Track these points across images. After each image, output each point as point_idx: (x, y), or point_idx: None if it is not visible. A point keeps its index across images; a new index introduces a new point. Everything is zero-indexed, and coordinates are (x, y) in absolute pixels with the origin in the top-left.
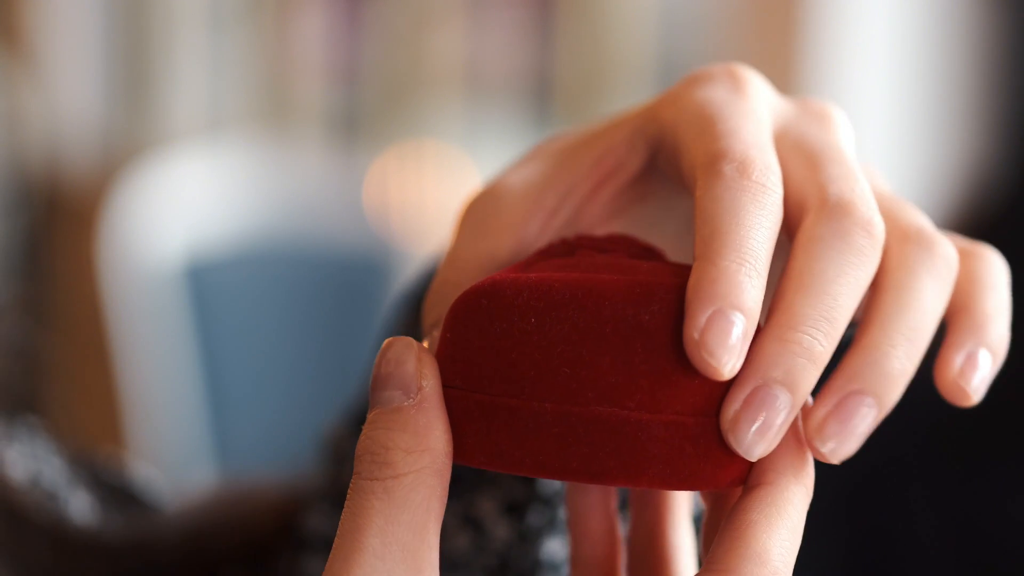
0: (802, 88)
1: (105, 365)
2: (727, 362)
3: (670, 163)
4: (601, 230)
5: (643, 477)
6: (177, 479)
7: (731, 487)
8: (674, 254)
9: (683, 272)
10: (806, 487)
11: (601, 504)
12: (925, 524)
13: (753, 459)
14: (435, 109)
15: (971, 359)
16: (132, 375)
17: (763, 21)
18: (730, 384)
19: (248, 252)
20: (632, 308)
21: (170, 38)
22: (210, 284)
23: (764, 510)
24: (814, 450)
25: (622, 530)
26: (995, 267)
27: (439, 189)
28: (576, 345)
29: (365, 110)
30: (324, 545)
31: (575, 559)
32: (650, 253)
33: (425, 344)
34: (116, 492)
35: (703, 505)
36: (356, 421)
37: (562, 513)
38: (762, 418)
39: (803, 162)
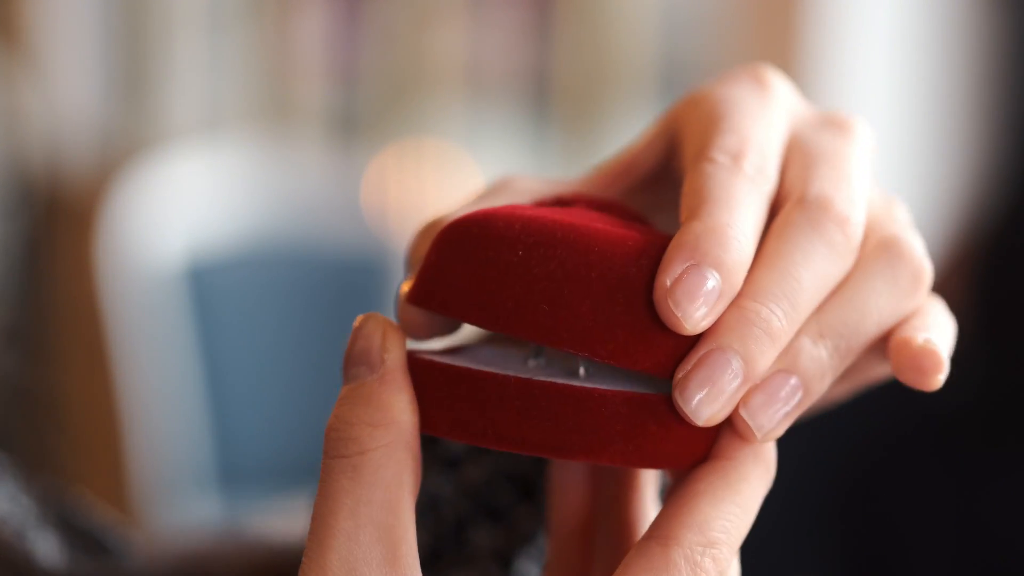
0: (802, 89)
1: (105, 365)
2: (692, 315)
3: (680, 162)
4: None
5: (604, 454)
6: (177, 479)
7: (689, 466)
8: None
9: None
10: (765, 466)
11: (581, 477)
12: (924, 523)
13: (700, 422)
14: (435, 108)
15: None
16: (132, 375)
17: (764, 22)
18: None
19: (248, 252)
20: (621, 259)
21: (169, 38)
22: (210, 284)
23: (713, 482)
24: (683, 411)
25: None
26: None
27: (439, 189)
28: (559, 284)
29: (365, 110)
30: None
31: (553, 530)
32: (643, 220)
33: (406, 286)
34: (83, 535)
35: (669, 478)
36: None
37: None
38: (712, 382)
39: (801, 163)
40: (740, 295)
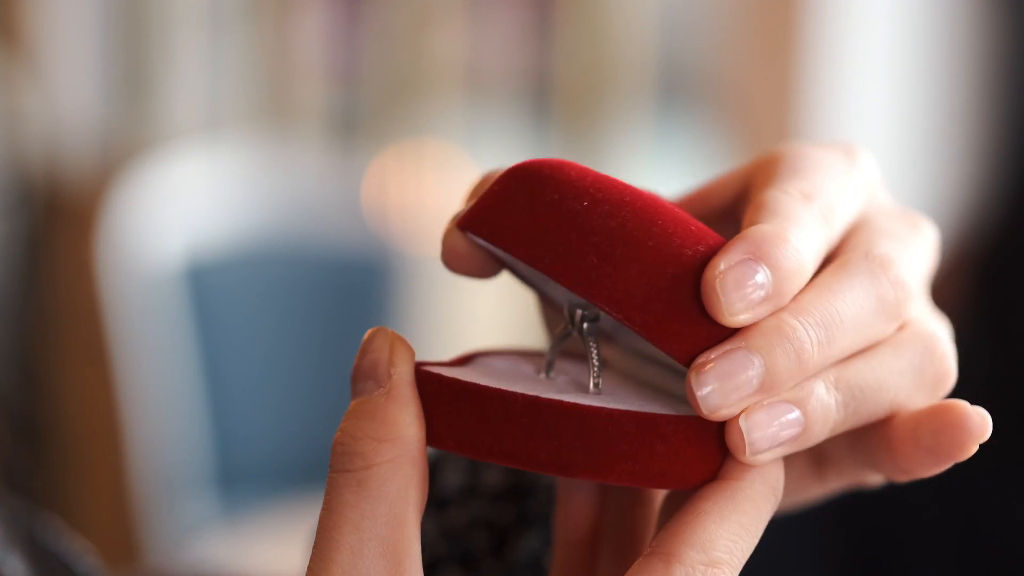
0: (802, 90)
1: (105, 366)
2: (733, 305)
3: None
4: None
5: (611, 473)
6: (177, 479)
7: (697, 485)
8: None
9: None
10: (772, 489)
11: (590, 486)
12: (927, 524)
13: (704, 411)
14: (435, 109)
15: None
16: (132, 376)
17: (764, 22)
18: None
19: (248, 253)
20: (680, 238)
21: (169, 38)
22: (210, 285)
23: (719, 501)
24: (693, 396)
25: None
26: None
27: (438, 189)
28: (614, 243)
29: (365, 110)
30: None
31: (559, 538)
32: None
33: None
34: (52, 560)
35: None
36: None
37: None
38: (730, 377)
39: (869, 231)
40: (782, 309)
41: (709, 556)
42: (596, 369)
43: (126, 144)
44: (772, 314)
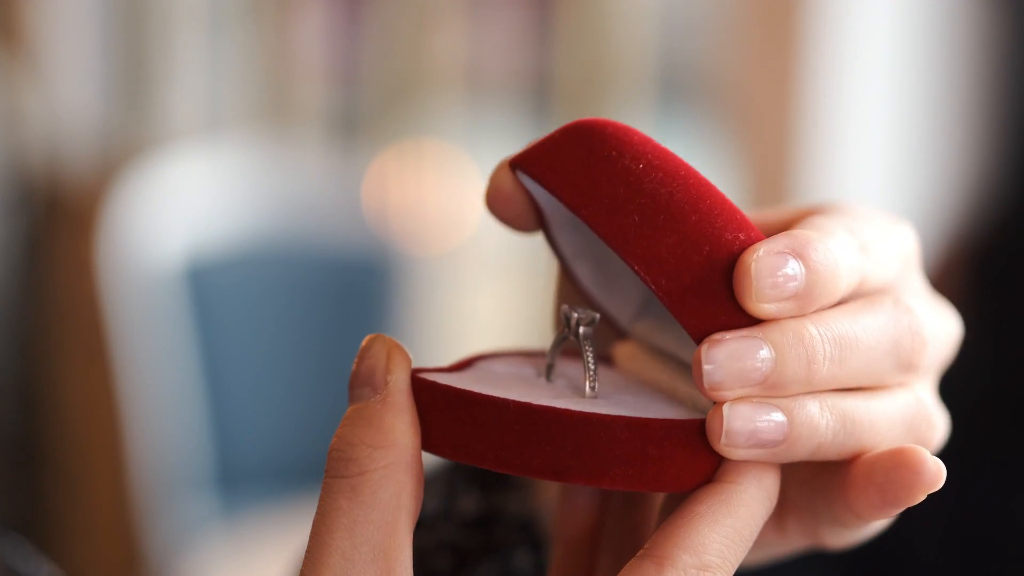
0: (802, 90)
1: (105, 366)
2: (762, 291)
3: None
4: None
5: (605, 478)
6: (177, 479)
7: (693, 489)
8: None
9: None
10: (766, 493)
11: (588, 487)
12: (927, 527)
13: (703, 385)
14: (435, 109)
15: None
16: (132, 376)
17: (764, 22)
18: None
19: (248, 253)
20: (724, 221)
21: (170, 38)
22: (210, 285)
23: (713, 505)
24: (699, 368)
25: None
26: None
27: (439, 189)
28: (660, 208)
29: (365, 110)
30: None
31: (558, 537)
32: None
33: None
34: None
35: None
36: None
37: None
38: (740, 360)
39: (902, 287)
40: (805, 316)
41: (701, 560)
42: (592, 372)
43: (126, 144)
44: (794, 317)
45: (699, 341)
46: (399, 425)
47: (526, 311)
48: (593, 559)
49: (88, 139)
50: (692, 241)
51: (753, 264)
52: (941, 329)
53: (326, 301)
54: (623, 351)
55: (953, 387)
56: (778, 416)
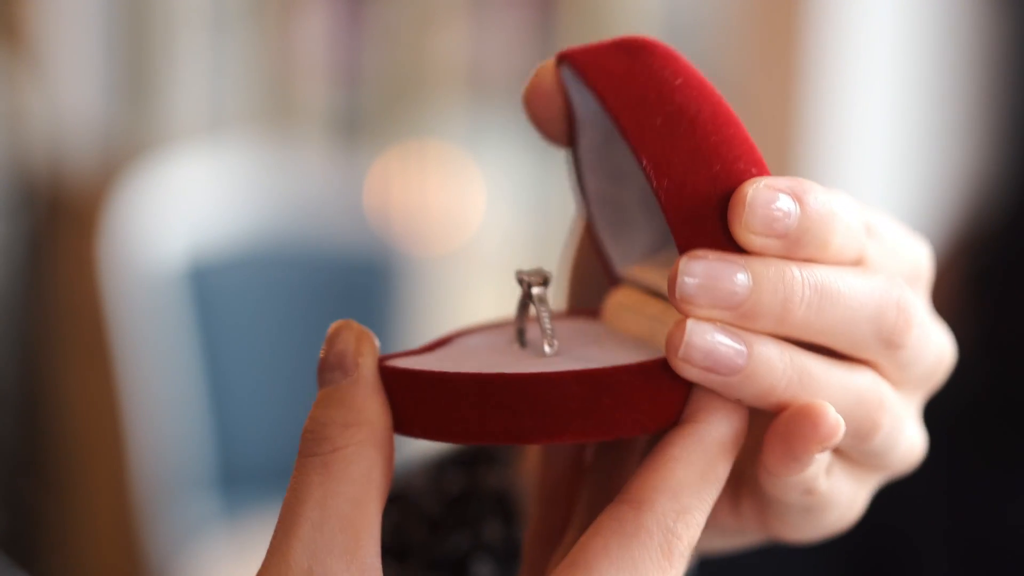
0: (804, 91)
1: (107, 366)
2: (754, 218)
3: None
4: None
5: (566, 433)
6: (179, 479)
7: (661, 430)
8: None
9: None
10: (736, 432)
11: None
12: (923, 531)
13: (675, 297)
14: (437, 110)
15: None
16: (134, 376)
17: (765, 23)
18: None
19: (250, 253)
20: (739, 152)
21: (172, 39)
22: (212, 285)
23: (687, 446)
24: (674, 278)
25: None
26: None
27: (441, 190)
28: (683, 120)
29: (367, 111)
30: None
31: (537, 494)
32: None
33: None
34: None
35: None
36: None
37: None
38: (716, 280)
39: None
40: (792, 260)
41: (680, 503)
42: (549, 331)
43: (129, 144)
44: (781, 257)
45: (683, 248)
46: (371, 404)
47: None
48: (570, 513)
49: (90, 139)
50: (704, 156)
51: (750, 192)
52: (934, 342)
53: (328, 302)
54: (612, 300)
55: (948, 390)
56: (739, 345)
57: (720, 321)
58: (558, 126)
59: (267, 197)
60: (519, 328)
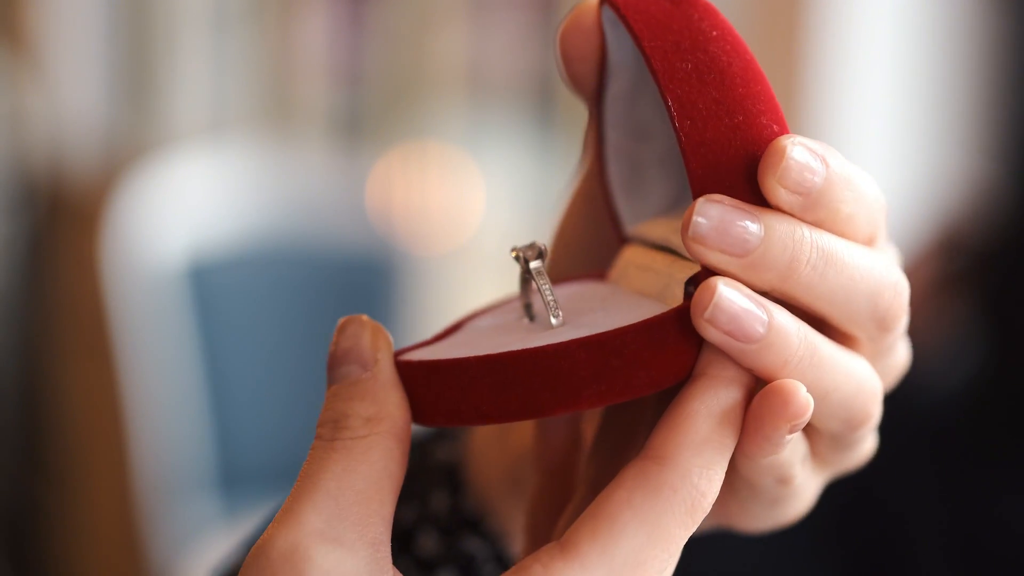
0: (805, 91)
1: (108, 365)
2: (787, 175)
3: None
4: None
5: (581, 400)
6: (179, 479)
7: (673, 383)
8: None
9: None
10: (749, 384)
11: (567, 416)
12: (919, 534)
13: (689, 236)
14: (438, 111)
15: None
16: (135, 375)
17: (766, 23)
18: None
19: (251, 253)
20: (763, 107)
21: (173, 39)
22: (213, 285)
23: (706, 400)
24: (689, 217)
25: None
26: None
27: (442, 190)
28: (713, 69)
29: (368, 111)
30: None
31: (537, 467)
32: None
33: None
34: None
35: None
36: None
37: None
38: (728, 225)
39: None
40: (804, 221)
41: (703, 458)
42: (552, 303)
43: (130, 144)
44: (794, 217)
45: (698, 194)
46: (392, 398)
47: None
48: (571, 487)
49: (91, 139)
50: (729, 106)
51: (789, 147)
52: (905, 344)
53: (329, 301)
54: (620, 259)
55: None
56: (762, 313)
57: (727, 272)
58: (590, 66)
59: (268, 196)
60: (525, 303)
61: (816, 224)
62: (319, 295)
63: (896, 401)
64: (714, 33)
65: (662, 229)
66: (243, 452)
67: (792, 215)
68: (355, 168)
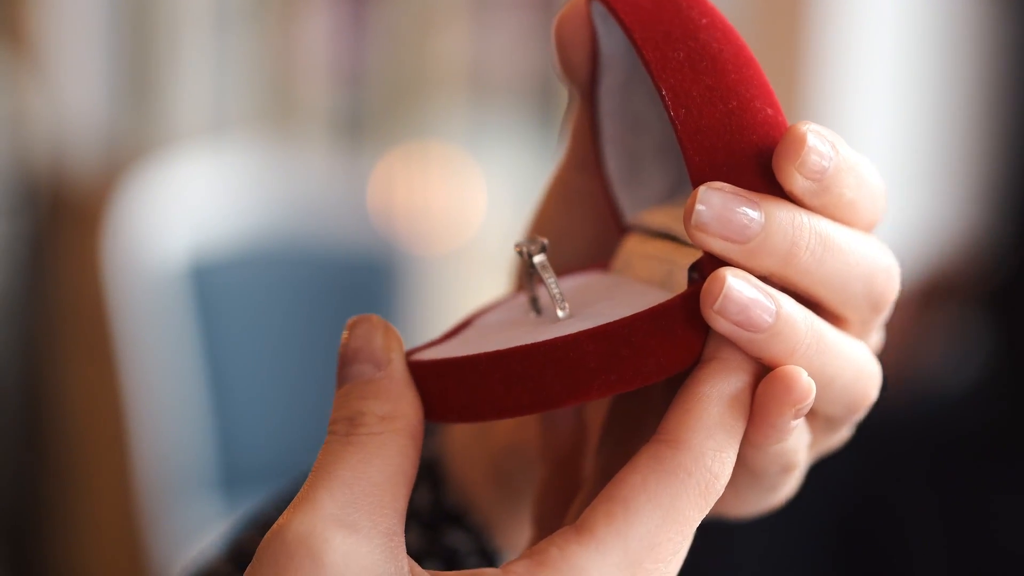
0: (806, 92)
1: (109, 365)
2: (806, 161)
3: None
4: None
5: (592, 391)
6: (181, 479)
7: (682, 369)
8: None
9: None
10: (757, 366)
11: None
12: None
13: (692, 224)
14: (439, 111)
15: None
16: (136, 375)
17: (767, 24)
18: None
19: (253, 253)
20: (757, 92)
21: (175, 39)
22: (214, 284)
23: (716, 383)
24: (692, 204)
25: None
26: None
27: (443, 190)
28: (704, 56)
29: (370, 111)
30: None
31: (544, 457)
32: None
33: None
34: None
35: None
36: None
37: None
38: (730, 212)
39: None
40: (805, 208)
41: (715, 441)
42: (558, 295)
43: (131, 144)
44: (799, 202)
45: (697, 181)
46: (406, 397)
47: None
48: (579, 476)
49: (93, 139)
50: (722, 92)
51: (809, 136)
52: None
53: (330, 301)
54: (622, 248)
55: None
56: (770, 303)
57: (728, 258)
58: (583, 54)
59: (269, 196)
60: (531, 296)
61: (820, 209)
62: (321, 295)
63: (898, 411)
64: (704, 21)
65: (662, 217)
66: (244, 452)
67: (797, 201)
68: (356, 168)
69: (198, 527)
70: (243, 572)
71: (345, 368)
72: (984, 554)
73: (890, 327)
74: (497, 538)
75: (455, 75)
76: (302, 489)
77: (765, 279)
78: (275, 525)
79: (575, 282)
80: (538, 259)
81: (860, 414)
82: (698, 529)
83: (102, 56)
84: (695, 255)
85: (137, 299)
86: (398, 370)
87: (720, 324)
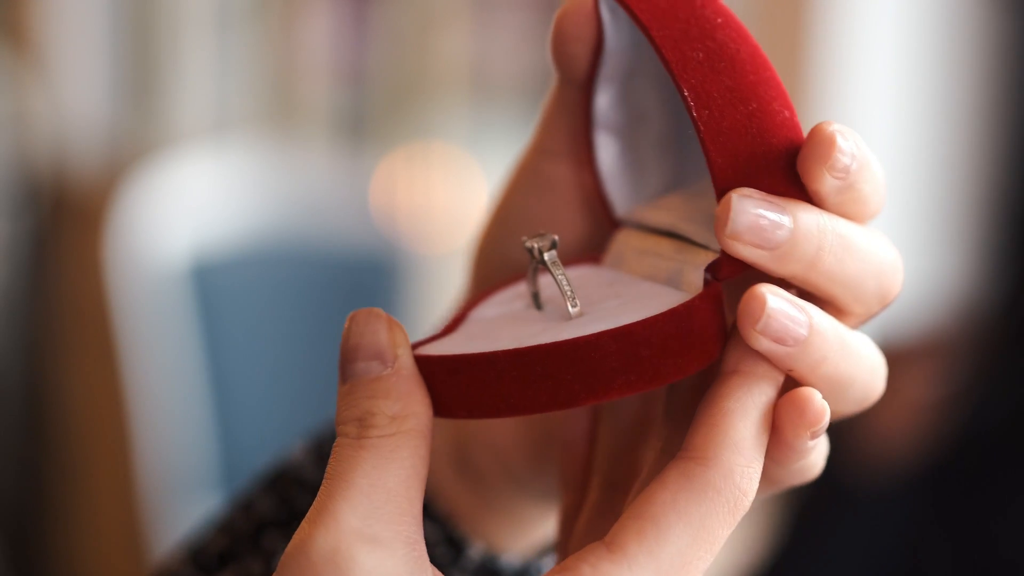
0: (807, 92)
1: (111, 365)
2: (838, 161)
3: None
4: None
5: (611, 390)
6: (182, 478)
7: (699, 370)
8: None
9: None
10: (776, 377)
11: (585, 425)
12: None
13: (727, 231)
14: (441, 111)
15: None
16: (138, 374)
17: (768, 24)
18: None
19: (254, 252)
20: (775, 94)
21: (177, 39)
22: (216, 284)
23: (740, 398)
24: (726, 212)
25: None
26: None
27: (445, 190)
28: (723, 56)
29: (371, 111)
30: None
31: (564, 475)
32: None
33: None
34: None
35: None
36: (225, 529)
37: None
38: (764, 220)
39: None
40: (827, 211)
41: (743, 457)
42: (570, 293)
43: (133, 144)
44: (815, 207)
45: (720, 183)
46: (417, 395)
47: None
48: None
49: (95, 139)
50: (742, 93)
51: (839, 138)
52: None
53: (333, 301)
54: (617, 243)
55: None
56: (803, 316)
57: (756, 264)
58: (586, 48)
59: (271, 196)
60: (534, 292)
61: (839, 205)
62: (323, 295)
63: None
64: (719, 20)
65: (666, 215)
66: (246, 451)
67: (819, 200)
68: (359, 168)
69: (199, 526)
70: (203, 573)
71: (349, 364)
72: (987, 563)
73: (910, 384)
74: (463, 525)
75: (457, 75)
76: (319, 498)
77: (784, 283)
78: (296, 540)
79: (573, 276)
80: (548, 256)
81: (863, 407)
82: None
83: (104, 56)
84: (707, 255)
85: (139, 299)
86: (406, 366)
87: (760, 342)
